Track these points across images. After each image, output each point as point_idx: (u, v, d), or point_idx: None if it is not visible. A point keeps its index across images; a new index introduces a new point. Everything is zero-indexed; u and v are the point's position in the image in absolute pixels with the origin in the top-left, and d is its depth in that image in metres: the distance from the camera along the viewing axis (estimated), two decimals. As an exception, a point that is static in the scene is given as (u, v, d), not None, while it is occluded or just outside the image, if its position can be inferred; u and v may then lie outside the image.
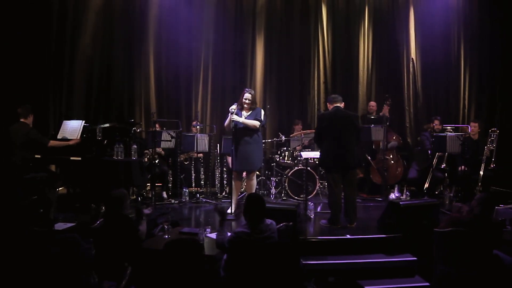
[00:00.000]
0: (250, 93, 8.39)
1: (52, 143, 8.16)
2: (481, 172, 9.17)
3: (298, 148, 10.47)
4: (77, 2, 10.71)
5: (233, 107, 8.16)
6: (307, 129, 10.94)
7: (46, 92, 10.37)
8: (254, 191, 8.58)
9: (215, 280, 5.15)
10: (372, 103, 11.41)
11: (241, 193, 9.34)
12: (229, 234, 5.45)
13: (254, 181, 8.64)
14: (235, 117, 8.13)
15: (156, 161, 9.39)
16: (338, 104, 7.74)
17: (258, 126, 8.24)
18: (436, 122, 10.57)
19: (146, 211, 6.46)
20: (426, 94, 12.39)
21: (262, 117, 8.31)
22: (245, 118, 8.24)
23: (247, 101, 8.29)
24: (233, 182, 8.48)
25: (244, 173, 8.98)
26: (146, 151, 9.75)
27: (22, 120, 8.01)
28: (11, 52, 9.90)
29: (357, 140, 7.72)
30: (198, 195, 9.91)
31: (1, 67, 9.80)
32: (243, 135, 8.19)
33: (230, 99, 10.83)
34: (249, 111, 8.29)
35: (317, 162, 10.12)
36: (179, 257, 4.00)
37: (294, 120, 11.49)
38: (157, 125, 9.75)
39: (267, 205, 5.40)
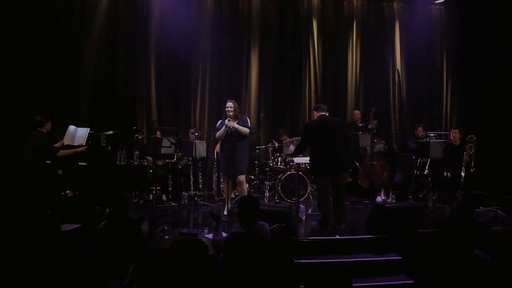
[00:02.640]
0: (231, 102, 8.49)
1: (62, 152, 8.17)
2: (462, 174, 9.24)
3: (291, 147, 10.44)
4: (83, 17, 10.80)
5: (230, 124, 8.24)
6: (298, 136, 10.97)
7: (54, 101, 10.38)
8: (246, 193, 8.64)
9: (213, 278, 5.16)
10: (357, 112, 11.47)
11: (236, 196, 9.35)
12: (224, 234, 5.48)
13: (245, 184, 8.68)
14: (231, 123, 8.20)
15: (155, 166, 9.41)
16: (324, 113, 7.76)
17: (248, 133, 8.35)
18: (420, 129, 10.65)
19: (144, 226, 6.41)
20: (411, 103, 12.49)
21: (249, 124, 8.42)
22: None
23: (230, 109, 8.37)
24: (224, 185, 8.56)
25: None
26: (147, 156, 9.75)
27: (39, 129, 8.03)
28: (22, 66, 9.93)
29: (347, 145, 7.71)
30: (196, 198, 9.93)
31: (15, 78, 9.84)
32: (234, 142, 8.30)
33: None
34: (236, 119, 8.36)
35: (308, 168, 10.17)
36: (185, 257, 4.02)
37: (279, 130, 11.52)
38: (157, 132, 9.79)
39: (261, 207, 5.42)
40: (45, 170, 8.14)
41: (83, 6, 10.82)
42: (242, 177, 8.53)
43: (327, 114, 7.84)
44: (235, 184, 8.70)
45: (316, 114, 7.84)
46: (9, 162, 8.89)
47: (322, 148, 7.54)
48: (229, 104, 8.43)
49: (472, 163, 9.37)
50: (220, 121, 8.58)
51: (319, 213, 7.74)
